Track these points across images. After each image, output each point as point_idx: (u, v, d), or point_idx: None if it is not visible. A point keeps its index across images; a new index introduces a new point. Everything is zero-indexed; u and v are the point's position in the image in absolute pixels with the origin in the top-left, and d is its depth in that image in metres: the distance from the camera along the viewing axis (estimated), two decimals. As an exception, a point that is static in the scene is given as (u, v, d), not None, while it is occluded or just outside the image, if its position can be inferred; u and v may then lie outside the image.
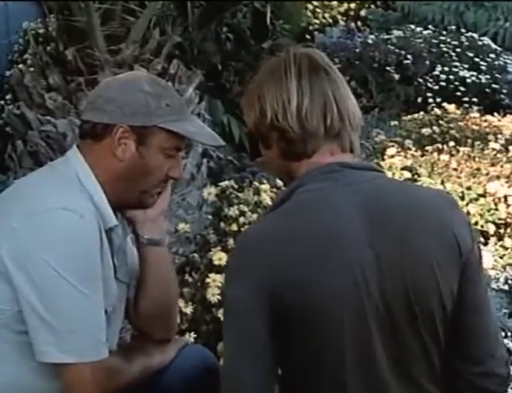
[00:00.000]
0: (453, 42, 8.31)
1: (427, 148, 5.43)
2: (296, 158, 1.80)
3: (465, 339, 1.82)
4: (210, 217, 3.85)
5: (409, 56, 7.94)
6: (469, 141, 5.59)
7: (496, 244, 4.47)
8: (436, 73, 7.77)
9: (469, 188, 4.72)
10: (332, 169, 1.77)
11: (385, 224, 1.74)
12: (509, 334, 3.56)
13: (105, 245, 2.04)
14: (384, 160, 5.18)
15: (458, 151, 5.33)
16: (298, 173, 1.80)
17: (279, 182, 4.20)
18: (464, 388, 1.85)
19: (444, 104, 6.67)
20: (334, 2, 9.92)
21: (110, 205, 2.06)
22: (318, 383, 1.73)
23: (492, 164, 5.11)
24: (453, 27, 8.89)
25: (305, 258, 1.69)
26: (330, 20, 9.55)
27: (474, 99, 7.23)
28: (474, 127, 6.01)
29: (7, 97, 5.51)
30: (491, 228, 4.52)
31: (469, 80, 7.69)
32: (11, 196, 2.09)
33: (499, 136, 5.77)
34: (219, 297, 3.14)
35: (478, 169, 5.00)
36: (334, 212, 1.73)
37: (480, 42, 8.43)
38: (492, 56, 8.19)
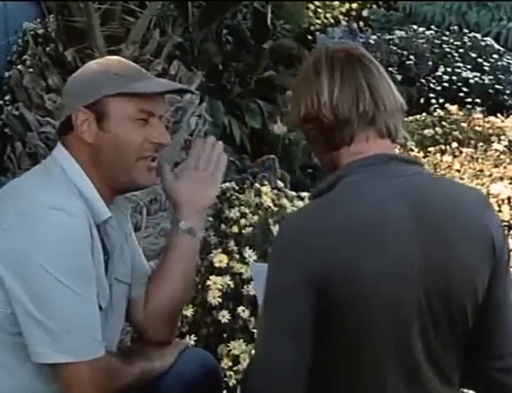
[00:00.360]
0: (456, 43, 8.29)
1: (429, 149, 5.42)
2: (336, 147, 1.85)
3: (489, 335, 1.88)
4: (211, 219, 3.83)
5: (411, 57, 7.92)
6: (472, 142, 5.59)
7: (499, 246, 4.44)
8: (439, 73, 7.75)
9: (472, 190, 4.68)
10: (375, 160, 1.82)
11: (430, 221, 1.78)
12: None
13: (97, 242, 2.02)
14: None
15: (461, 153, 5.32)
16: (340, 164, 1.85)
17: (280, 184, 4.19)
18: (482, 382, 1.93)
19: (447, 105, 6.65)
20: (336, 2, 9.89)
21: (102, 198, 2.05)
22: (356, 368, 1.77)
23: (496, 166, 5.10)
24: (455, 27, 8.85)
25: (352, 248, 1.72)
26: (332, 21, 9.52)
27: (477, 100, 7.20)
28: (477, 128, 6.00)
29: (6, 98, 5.49)
30: (495, 230, 4.49)
31: (472, 81, 7.67)
32: (2, 196, 2.07)
33: (502, 137, 5.77)
34: (220, 300, 3.12)
35: (481, 171, 4.98)
36: (380, 204, 1.77)
37: (483, 43, 8.41)
38: (495, 56, 8.16)
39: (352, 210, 1.76)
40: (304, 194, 4.10)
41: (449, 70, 7.77)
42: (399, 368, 1.77)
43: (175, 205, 2.22)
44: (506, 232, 4.53)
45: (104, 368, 1.98)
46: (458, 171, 4.99)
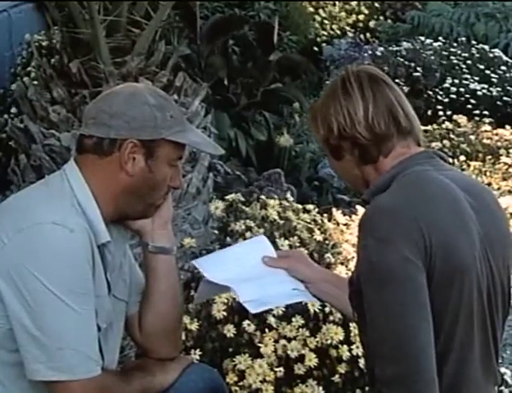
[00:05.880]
0: (464, 54, 8.26)
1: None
2: (372, 160, 1.97)
3: None
4: (216, 232, 3.82)
5: (419, 69, 7.89)
6: (481, 155, 5.55)
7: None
8: (446, 85, 7.71)
9: (480, 203, 4.65)
10: (426, 155, 1.98)
11: (480, 209, 1.93)
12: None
13: (98, 261, 2.02)
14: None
15: (469, 166, 5.29)
16: (383, 170, 1.96)
17: (289, 197, 4.15)
18: None
19: (455, 116, 6.62)
20: (343, 14, 9.88)
21: (104, 220, 2.05)
22: (451, 341, 1.86)
23: (504, 179, 5.08)
24: (463, 39, 8.82)
25: (446, 222, 1.85)
26: (339, 32, 9.50)
27: (485, 112, 7.16)
28: (486, 141, 5.96)
29: (11, 110, 5.46)
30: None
31: (479, 93, 7.63)
32: (4, 209, 2.08)
33: (511, 150, 5.73)
34: (225, 313, 3.10)
35: (490, 184, 4.96)
36: (450, 190, 1.91)
37: (491, 55, 8.37)
38: (504, 68, 8.13)
39: (431, 189, 1.89)
40: (310, 207, 4.07)
41: (457, 81, 7.73)
42: (481, 343, 1.90)
43: (137, 231, 2.22)
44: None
45: (98, 387, 1.97)
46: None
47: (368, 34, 9.68)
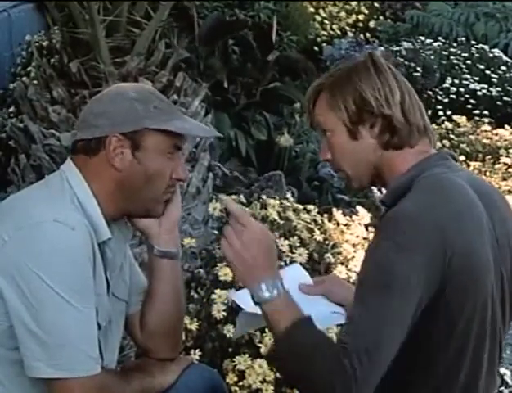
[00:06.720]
0: (463, 54, 8.27)
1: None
2: (398, 147, 1.96)
3: None
4: (216, 232, 3.82)
5: (418, 69, 7.89)
6: (480, 155, 5.55)
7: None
8: (446, 85, 7.72)
9: (480, 203, 4.65)
10: (442, 156, 1.98)
11: (491, 211, 1.93)
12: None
13: (98, 259, 2.01)
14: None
15: (469, 166, 5.28)
16: (398, 162, 1.95)
17: (289, 197, 4.15)
18: None
19: (455, 116, 6.62)
20: (343, 14, 9.88)
21: (105, 218, 2.04)
22: (465, 345, 1.87)
23: (504, 179, 5.07)
24: (463, 39, 8.83)
25: (467, 229, 1.85)
26: (339, 32, 9.51)
27: (485, 112, 7.17)
28: (485, 141, 5.96)
29: (10, 110, 5.48)
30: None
31: (479, 93, 7.64)
32: (4, 209, 2.07)
33: (510, 150, 5.73)
34: (225, 313, 3.10)
35: (490, 184, 4.94)
36: (466, 193, 1.90)
37: (491, 54, 8.38)
38: (503, 68, 8.13)
39: (451, 197, 1.88)
40: (310, 207, 4.07)
41: (456, 81, 7.74)
42: (490, 346, 1.91)
43: (142, 231, 2.21)
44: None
45: (97, 386, 1.96)
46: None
47: (368, 34, 9.69)
